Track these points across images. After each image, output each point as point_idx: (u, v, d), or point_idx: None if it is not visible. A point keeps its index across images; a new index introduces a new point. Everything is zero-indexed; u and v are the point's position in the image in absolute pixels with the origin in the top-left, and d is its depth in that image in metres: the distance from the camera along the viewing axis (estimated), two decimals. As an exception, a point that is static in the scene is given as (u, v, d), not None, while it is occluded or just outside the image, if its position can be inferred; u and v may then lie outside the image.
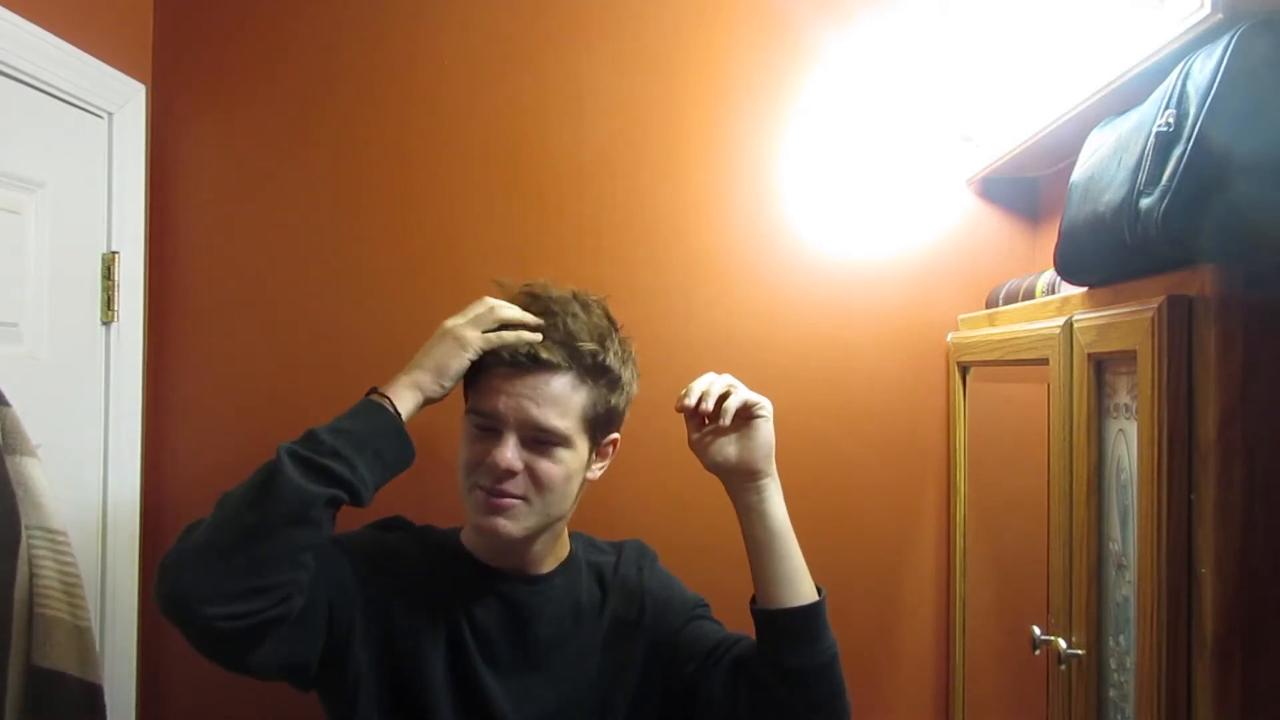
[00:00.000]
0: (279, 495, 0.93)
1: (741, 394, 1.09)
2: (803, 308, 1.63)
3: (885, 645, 1.62)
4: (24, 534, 1.09)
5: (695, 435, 1.12)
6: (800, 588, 1.07)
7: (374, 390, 1.07)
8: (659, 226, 1.65)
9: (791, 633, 1.05)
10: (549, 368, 1.08)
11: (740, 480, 1.10)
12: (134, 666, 1.61)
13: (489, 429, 1.09)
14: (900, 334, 1.62)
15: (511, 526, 1.08)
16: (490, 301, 1.12)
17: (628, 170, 1.65)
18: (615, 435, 1.20)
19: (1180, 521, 0.80)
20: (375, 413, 1.03)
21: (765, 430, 1.09)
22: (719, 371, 1.14)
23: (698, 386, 1.10)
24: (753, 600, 1.10)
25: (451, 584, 1.14)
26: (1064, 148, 1.34)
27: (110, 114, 1.55)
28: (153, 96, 1.67)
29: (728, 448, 1.09)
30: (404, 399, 1.05)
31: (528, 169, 1.65)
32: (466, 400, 1.14)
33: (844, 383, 1.62)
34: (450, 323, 1.11)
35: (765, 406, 1.09)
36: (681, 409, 1.11)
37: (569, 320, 1.11)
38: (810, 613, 1.06)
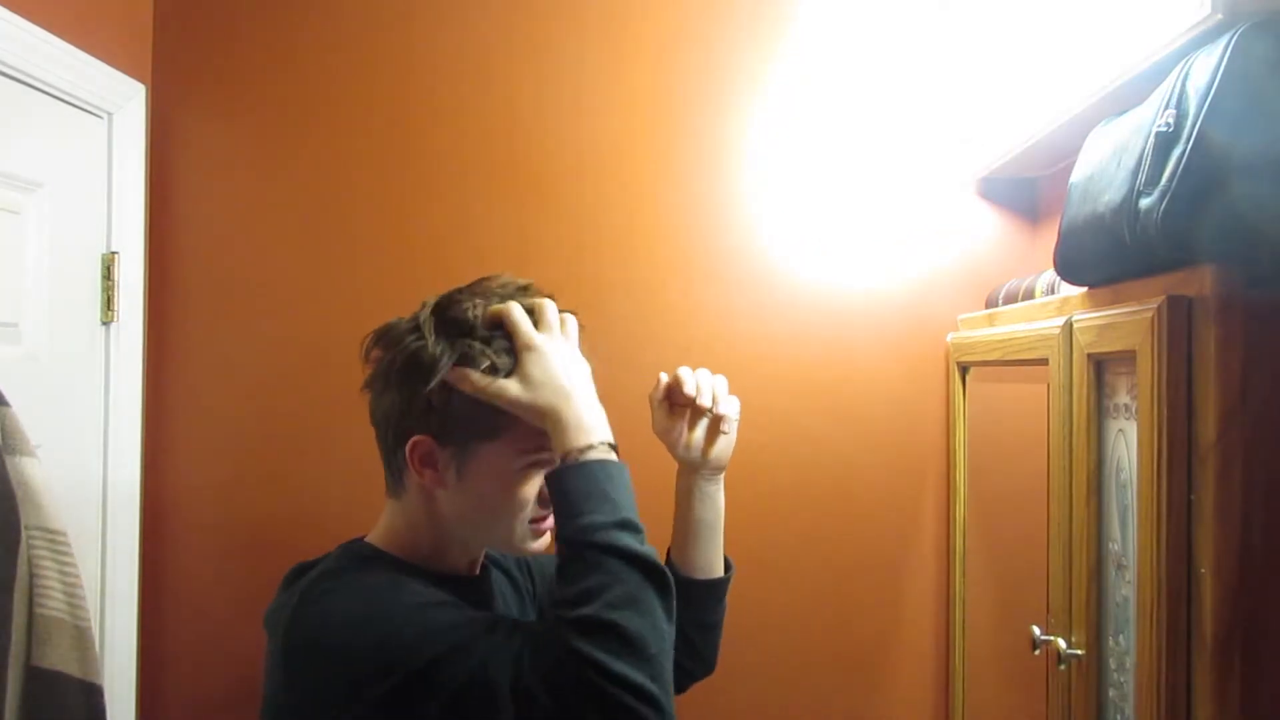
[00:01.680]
0: (674, 602, 0.92)
1: (735, 401, 1.16)
2: (803, 308, 1.63)
3: (885, 645, 1.62)
4: (24, 534, 1.09)
5: (675, 428, 1.16)
6: (722, 556, 1.24)
7: (602, 444, 0.95)
8: (658, 226, 1.65)
9: (717, 595, 1.22)
10: None
11: (704, 472, 1.19)
12: (134, 666, 1.61)
13: (543, 462, 1.02)
14: (900, 334, 1.62)
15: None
16: (554, 306, 1.03)
17: (627, 169, 1.65)
18: None
19: (1180, 521, 0.80)
20: (625, 471, 0.97)
21: (735, 432, 1.18)
22: (716, 370, 1.16)
23: (705, 383, 1.14)
24: (670, 563, 1.21)
25: None
26: (1063, 148, 1.34)
27: (110, 114, 1.55)
28: (153, 96, 1.67)
29: (705, 446, 1.17)
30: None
31: (527, 168, 1.65)
32: (471, 435, 1.01)
33: (844, 383, 1.62)
34: (559, 348, 0.99)
35: (736, 408, 1.18)
36: (685, 402, 1.14)
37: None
38: (730, 577, 1.23)
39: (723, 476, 1.21)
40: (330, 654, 0.92)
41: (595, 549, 0.90)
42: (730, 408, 1.16)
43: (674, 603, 0.91)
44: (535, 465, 1.02)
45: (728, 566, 1.25)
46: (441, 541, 1.07)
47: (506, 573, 1.22)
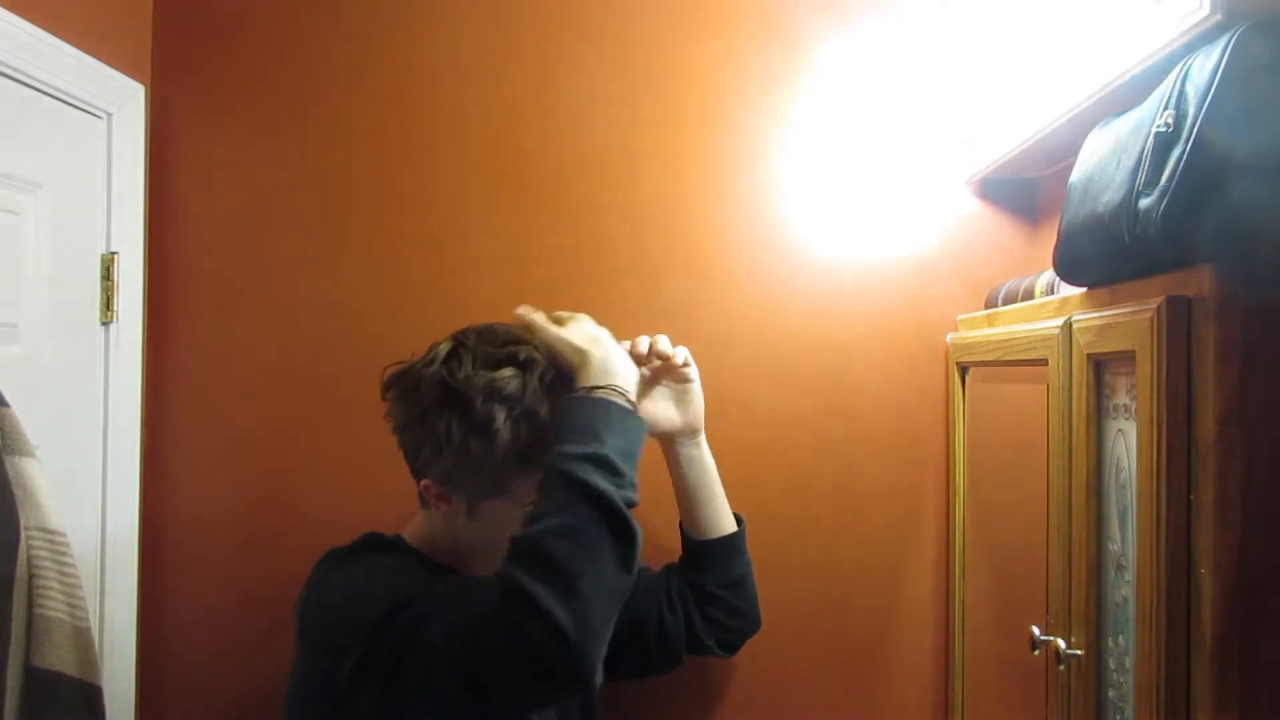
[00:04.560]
0: (635, 553, 0.93)
1: (683, 349, 1.27)
2: (802, 308, 1.63)
3: (885, 645, 1.61)
4: (23, 535, 1.09)
5: (643, 407, 1.20)
6: (729, 513, 1.34)
7: (612, 387, 1.03)
8: (657, 227, 1.64)
9: (732, 550, 1.32)
10: None
11: (682, 439, 1.28)
12: (134, 666, 1.61)
13: None
14: (899, 334, 1.62)
15: None
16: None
17: (627, 171, 1.65)
18: None
19: (1179, 522, 0.80)
20: (637, 424, 1.04)
21: (699, 391, 1.29)
22: (717, 369, 1.18)
23: (642, 339, 1.24)
24: (683, 532, 1.33)
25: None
26: (1063, 148, 1.34)
27: (109, 114, 1.55)
28: (152, 96, 1.67)
29: (671, 413, 1.26)
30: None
31: (527, 169, 1.65)
32: (477, 494, 1.09)
33: (843, 383, 1.62)
34: (587, 321, 1.15)
35: (695, 370, 1.29)
36: (637, 358, 1.19)
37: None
38: (743, 532, 1.34)
39: (702, 439, 1.30)
40: (323, 619, 1.00)
41: (559, 476, 0.92)
42: (683, 351, 1.27)
43: (633, 550, 0.91)
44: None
45: (740, 522, 1.34)
46: (464, 550, 1.14)
47: None
